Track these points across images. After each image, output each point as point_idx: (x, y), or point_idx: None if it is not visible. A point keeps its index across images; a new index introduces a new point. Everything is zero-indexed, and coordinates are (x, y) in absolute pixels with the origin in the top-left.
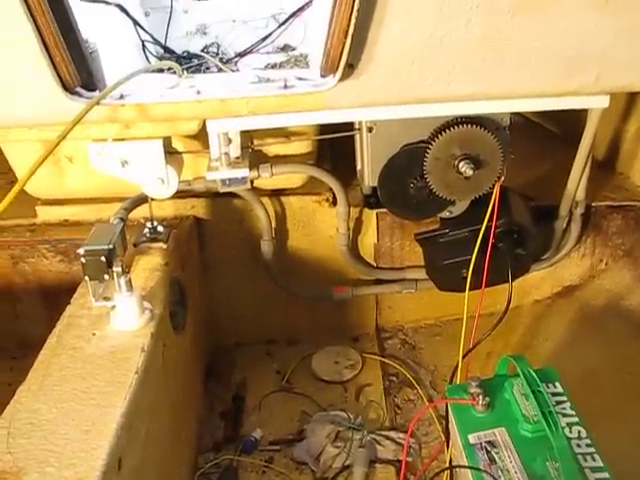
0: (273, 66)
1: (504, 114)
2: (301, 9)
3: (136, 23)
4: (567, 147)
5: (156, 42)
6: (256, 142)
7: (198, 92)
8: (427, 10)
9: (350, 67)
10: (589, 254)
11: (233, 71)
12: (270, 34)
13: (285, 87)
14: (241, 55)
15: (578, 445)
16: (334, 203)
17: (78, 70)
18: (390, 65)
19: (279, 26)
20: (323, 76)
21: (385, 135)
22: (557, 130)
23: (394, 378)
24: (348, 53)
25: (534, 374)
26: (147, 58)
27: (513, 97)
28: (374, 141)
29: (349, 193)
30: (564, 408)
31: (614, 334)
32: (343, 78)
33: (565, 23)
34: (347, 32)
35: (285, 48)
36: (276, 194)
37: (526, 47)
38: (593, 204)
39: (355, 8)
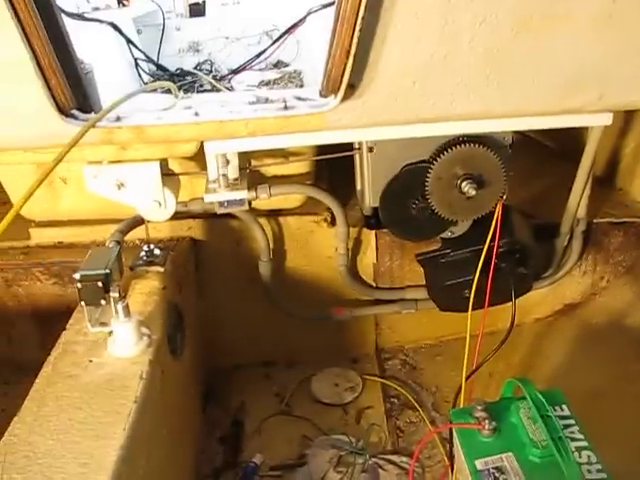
0: (267, 83)
1: (507, 133)
2: (294, 26)
3: (129, 41)
4: (566, 163)
5: (149, 60)
6: (254, 163)
7: (196, 114)
8: (429, 29)
9: (351, 87)
10: (590, 271)
11: (227, 89)
12: (263, 51)
13: (285, 108)
14: (234, 72)
15: (589, 471)
16: (332, 223)
17: (73, 92)
18: (392, 85)
19: (272, 43)
20: (323, 96)
21: (386, 155)
22: (555, 146)
23: (395, 400)
24: (350, 73)
25: (542, 398)
26: (140, 76)
27: (516, 116)
28: (375, 161)
29: (348, 213)
30: (572, 432)
31: (617, 352)
32: (344, 99)
33: (568, 43)
34: (349, 52)
35: (278, 64)
36: (274, 214)
37: (529, 66)
38: (594, 221)
39: (357, 28)
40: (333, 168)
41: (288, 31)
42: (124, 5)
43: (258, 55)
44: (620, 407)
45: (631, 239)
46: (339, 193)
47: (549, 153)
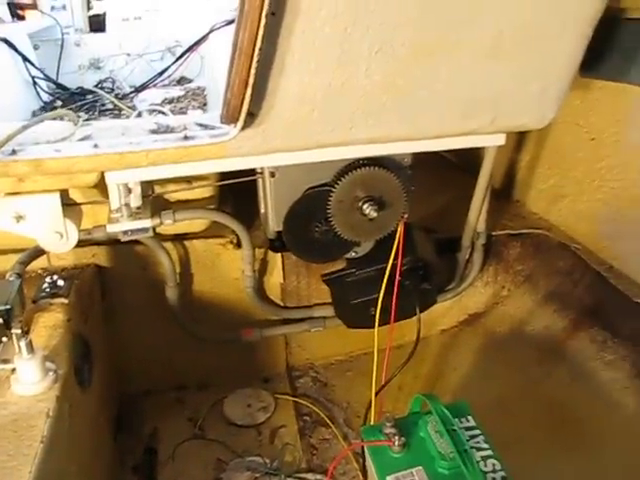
0: (170, 101)
1: (406, 154)
2: (197, 43)
3: (25, 59)
4: (467, 176)
5: (47, 78)
6: (157, 190)
7: (95, 145)
8: (326, 59)
9: (251, 116)
10: (492, 282)
11: (130, 108)
12: (166, 69)
13: (185, 138)
14: (137, 90)
15: (494, 478)
16: (239, 245)
17: None
18: (291, 113)
19: (176, 60)
20: (224, 122)
21: (288, 179)
22: (457, 160)
23: (308, 418)
24: (249, 103)
25: (447, 412)
26: (39, 95)
27: (414, 139)
28: (277, 186)
29: (253, 234)
30: (478, 442)
31: (519, 360)
32: (244, 127)
33: (461, 70)
34: (247, 83)
35: (182, 81)
36: (179, 238)
37: (425, 92)
38: (493, 233)
39: (255, 60)
40: (238, 189)
41: (191, 48)
42: (20, 19)
43: (161, 73)
44: (525, 413)
45: (529, 249)
46: (245, 214)
47: (451, 166)
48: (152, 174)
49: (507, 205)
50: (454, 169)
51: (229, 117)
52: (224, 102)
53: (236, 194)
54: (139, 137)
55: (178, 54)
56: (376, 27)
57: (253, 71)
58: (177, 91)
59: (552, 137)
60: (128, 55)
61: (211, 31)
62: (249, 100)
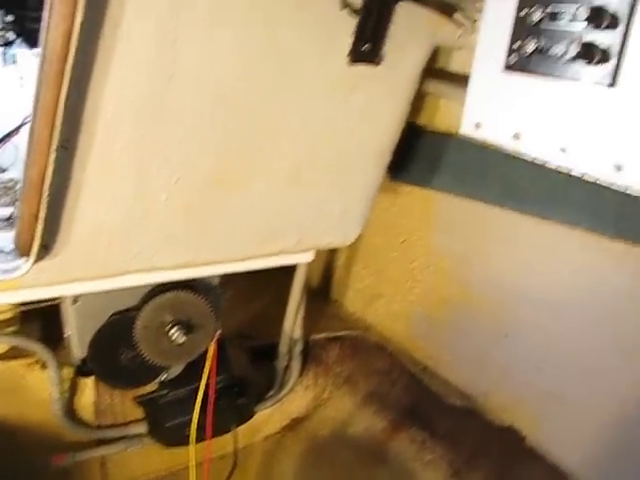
0: None
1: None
2: (9, 134)
3: None
4: (283, 277)
5: None
6: None
7: None
8: (123, 190)
9: (45, 248)
10: (312, 385)
11: None
12: None
13: None
14: None
15: None
16: (46, 366)
17: None
18: (89, 243)
19: None
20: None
21: (92, 305)
22: None
23: None
24: (41, 237)
25: None
26: None
27: (220, 262)
28: (80, 312)
29: (62, 351)
30: None
31: (343, 463)
32: (38, 259)
33: (263, 196)
34: (37, 217)
35: None
36: None
37: (227, 218)
38: (311, 337)
39: (44, 195)
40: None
41: (2, 140)
42: None
43: None
44: None
45: (347, 351)
46: (54, 328)
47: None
48: None
49: (325, 306)
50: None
51: (20, 249)
52: (15, 234)
53: (44, 311)
54: None
55: None
56: (174, 158)
57: (44, 204)
58: None
59: (366, 238)
60: None
61: (23, 124)
62: (41, 234)
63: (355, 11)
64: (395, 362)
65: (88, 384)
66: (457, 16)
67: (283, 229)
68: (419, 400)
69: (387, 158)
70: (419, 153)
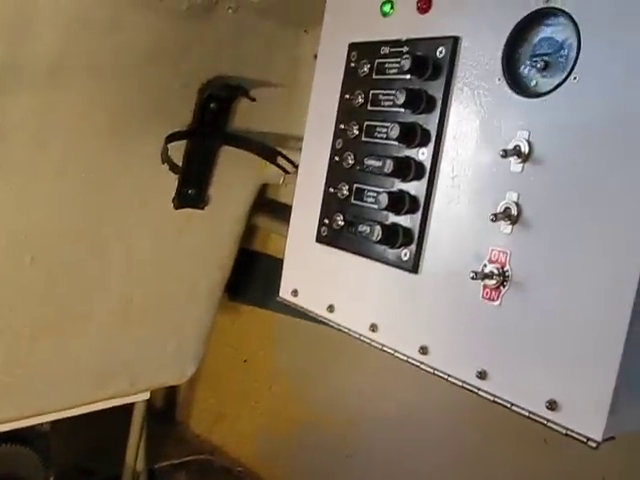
0: None
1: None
2: None
3: None
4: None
5: None
6: None
7: None
8: None
9: None
10: None
11: None
12: None
13: None
14: None
15: None
16: None
17: None
18: None
19: None
20: None
21: None
22: None
23: None
24: None
25: None
26: None
27: (51, 412)
28: None
29: None
30: None
31: None
32: None
33: (92, 341)
34: None
35: None
36: None
37: (56, 367)
38: (157, 466)
39: None
40: None
41: None
42: None
43: None
44: None
45: (194, 476)
46: None
47: None
48: None
49: (170, 429)
50: None
51: None
52: None
53: None
54: None
55: None
56: None
57: None
58: None
59: (208, 357)
60: None
61: None
62: None
63: (174, 167)
64: None
65: None
66: (280, 160)
67: (114, 373)
68: None
69: (219, 293)
70: (255, 276)
